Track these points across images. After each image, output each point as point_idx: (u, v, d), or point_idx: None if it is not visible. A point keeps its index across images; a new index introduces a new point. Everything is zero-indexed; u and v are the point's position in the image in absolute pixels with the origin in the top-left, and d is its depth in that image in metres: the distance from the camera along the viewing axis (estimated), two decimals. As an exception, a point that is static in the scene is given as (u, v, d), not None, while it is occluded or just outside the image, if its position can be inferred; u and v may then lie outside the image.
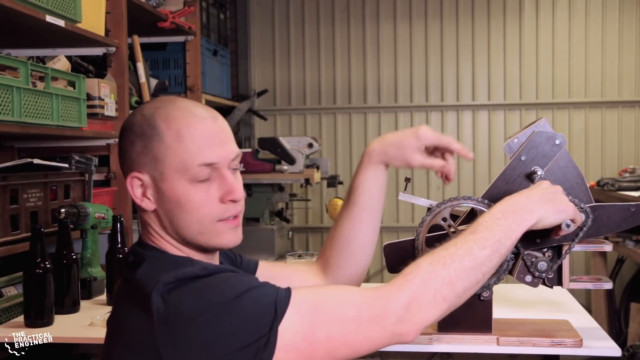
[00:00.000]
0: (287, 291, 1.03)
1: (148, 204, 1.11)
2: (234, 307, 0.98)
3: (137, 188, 1.11)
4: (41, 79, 1.95)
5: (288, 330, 0.99)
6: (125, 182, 1.12)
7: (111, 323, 1.12)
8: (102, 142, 2.41)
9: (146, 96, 2.83)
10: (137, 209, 1.17)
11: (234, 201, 1.11)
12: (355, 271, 1.40)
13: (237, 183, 1.12)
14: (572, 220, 1.23)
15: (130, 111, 2.57)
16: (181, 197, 1.08)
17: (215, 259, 1.19)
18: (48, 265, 1.73)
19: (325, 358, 1.02)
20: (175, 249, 1.13)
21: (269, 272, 1.36)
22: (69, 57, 2.35)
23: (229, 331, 0.97)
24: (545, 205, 1.18)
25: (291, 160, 3.72)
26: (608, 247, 1.44)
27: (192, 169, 1.08)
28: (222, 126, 1.13)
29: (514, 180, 1.41)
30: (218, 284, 1.02)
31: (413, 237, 1.46)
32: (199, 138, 1.08)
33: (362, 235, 1.38)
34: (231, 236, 1.13)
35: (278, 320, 0.99)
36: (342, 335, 1.02)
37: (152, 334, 0.99)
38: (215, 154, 1.09)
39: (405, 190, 1.46)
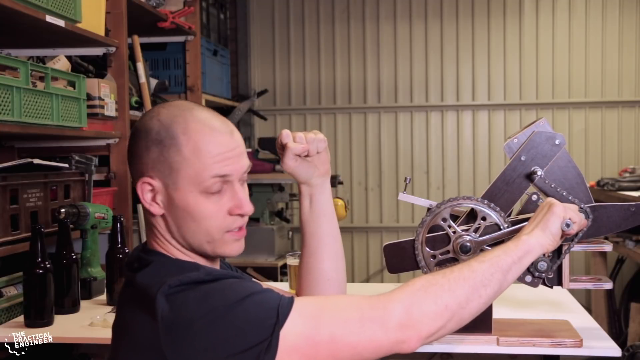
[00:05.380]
0: (291, 298, 1.04)
1: (157, 209, 1.12)
2: (237, 310, 0.99)
3: (147, 192, 1.12)
4: (41, 79, 1.95)
5: (291, 332, 1.00)
6: (136, 186, 1.13)
7: (116, 327, 1.13)
8: (102, 142, 2.41)
9: (146, 96, 2.83)
10: (144, 211, 1.17)
11: (241, 215, 1.13)
12: None
13: (246, 197, 1.14)
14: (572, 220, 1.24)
15: (131, 112, 2.57)
16: (192, 207, 1.10)
17: (216, 264, 1.20)
18: (48, 265, 1.73)
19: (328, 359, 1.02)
20: (180, 252, 1.14)
21: None
22: (69, 57, 2.35)
23: (231, 334, 0.98)
24: (537, 227, 1.23)
25: (291, 160, 3.71)
26: (608, 247, 1.44)
27: (206, 180, 1.09)
28: (237, 141, 1.14)
29: (513, 180, 1.41)
30: (222, 289, 1.03)
31: (413, 238, 1.46)
32: (215, 152, 1.10)
33: (320, 262, 1.38)
34: (235, 246, 1.15)
35: (280, 324, 1.00)
36: (345, 336, 1.02)
37: (156, 336, 0.99)
38: (229, 167, 1.11)
39: (405, 190, 1.46)
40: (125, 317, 1.10)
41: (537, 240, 1.21)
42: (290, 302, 1.03)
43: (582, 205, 1.36)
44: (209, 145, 1.09)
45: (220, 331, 0.98)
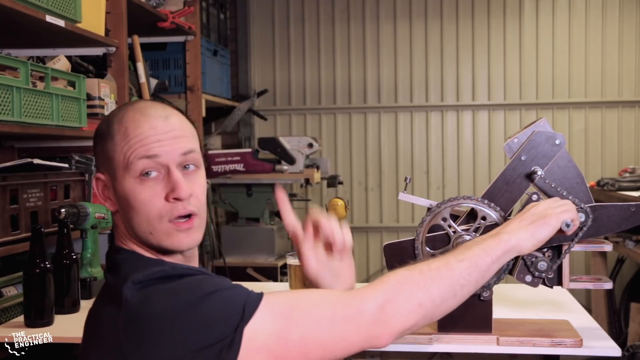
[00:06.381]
0: (259, 294, 1.02)
1: (110, 204, 1.15)
2: (201, 306, 0.98)
3: (100, 189, 1.15)
4: (41, 79, 1.95)
5: (260, 331, 0.99)
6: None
7: (87, 323, 1.13)
8: (102, 142, 2.40)
9: (146, 96, 2.83)
10: None
11: (178, 199, 1.08)
12: None
13: (184, 181, 1.09)
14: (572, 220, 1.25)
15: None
16: (129, 194, 1.09)
17: (194, 262, 1.17)
18: (48, 265, 1.73)
19: (299, 359, 1.01)
20: (141, 248, 1.13)
21: None
22: (69, 57, 2.35)
23: (193, 330, 0.97)
24: (524, 228, 1.22)
25: (291, 160, 3.72)
26: (608, 247, 1.44)
27: (133, 162, 1.08)
28: (173, 125, 1.11)
29: (514, 180, 1.41)
30: (188, 284, 1.02)
31: (413, 237, 1.46)
32: (144, 135, 1.08)
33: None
34: (183, 238, 1.10)
35: (245, 321, 0.98)
36: (316, 336, 1.01)
37: (117, 329, 0.99)
38: (159, 149, 1.08)
39: (405, 190, 1.46)
40: (94, 314, 1.10)
41: (518, 241, 1.20)
42: (258, 298, 1.01)
43: (582, 205, 1.36)
44: (137, 129, 1.09)
45: (182, 327, 0.97)
